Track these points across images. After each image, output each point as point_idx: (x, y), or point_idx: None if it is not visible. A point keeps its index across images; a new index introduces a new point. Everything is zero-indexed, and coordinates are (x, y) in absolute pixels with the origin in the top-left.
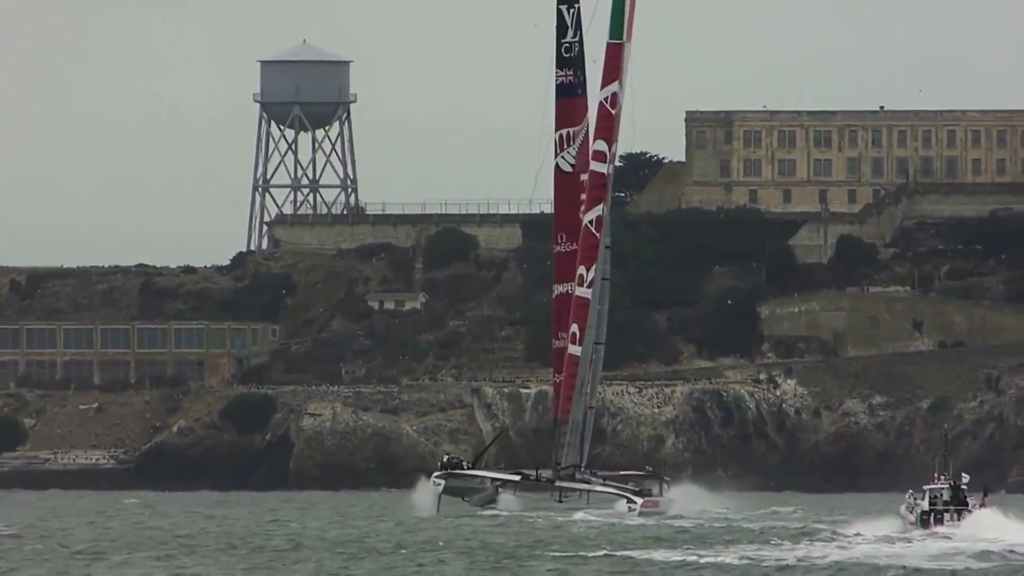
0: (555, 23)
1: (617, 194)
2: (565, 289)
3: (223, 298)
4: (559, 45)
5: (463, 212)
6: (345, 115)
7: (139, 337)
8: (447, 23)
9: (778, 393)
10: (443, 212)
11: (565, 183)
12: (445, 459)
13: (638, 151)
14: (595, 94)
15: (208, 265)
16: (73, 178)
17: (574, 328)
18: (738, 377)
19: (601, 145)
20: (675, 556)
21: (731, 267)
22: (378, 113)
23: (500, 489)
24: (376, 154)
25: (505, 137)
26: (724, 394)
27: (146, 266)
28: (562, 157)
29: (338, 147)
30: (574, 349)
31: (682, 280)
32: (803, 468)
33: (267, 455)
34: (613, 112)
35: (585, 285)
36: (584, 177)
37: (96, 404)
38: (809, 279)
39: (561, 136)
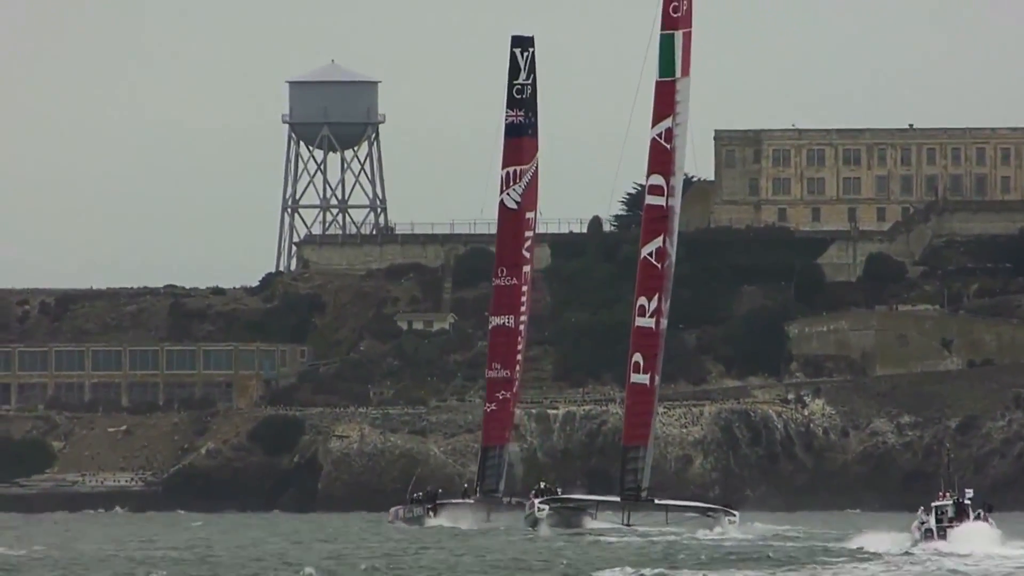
0: (508, 65)
1: None
2: (502, 321)
3: (252, 319)
4: (511, 86)
5: (492, 232)
6: (374, 135)
7: (168, 358)
8: (474, 43)
9: (806, 413)
10: (472, 232)
11: (508, 219)
12: (542, 486)
13: None
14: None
15: (237, 286)
16: (102, 200)
17: (637, 357)
18: (766, 397)
19: (657, 179)
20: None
21: (760, 286)
22: (407, 133)
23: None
24: (405, 174)
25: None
26: (752, 414)
27: (175, 287)
28: (507, 194)
29: (367, 167)
30: (637, 378)
31: (711, 299)
32: (831, 488)
33: (295, 477)
34: (668, 147)
35: (648, 315)
36: (529, 215)
37: (124, 426)
38: (838, 298)
39: (508, 174)
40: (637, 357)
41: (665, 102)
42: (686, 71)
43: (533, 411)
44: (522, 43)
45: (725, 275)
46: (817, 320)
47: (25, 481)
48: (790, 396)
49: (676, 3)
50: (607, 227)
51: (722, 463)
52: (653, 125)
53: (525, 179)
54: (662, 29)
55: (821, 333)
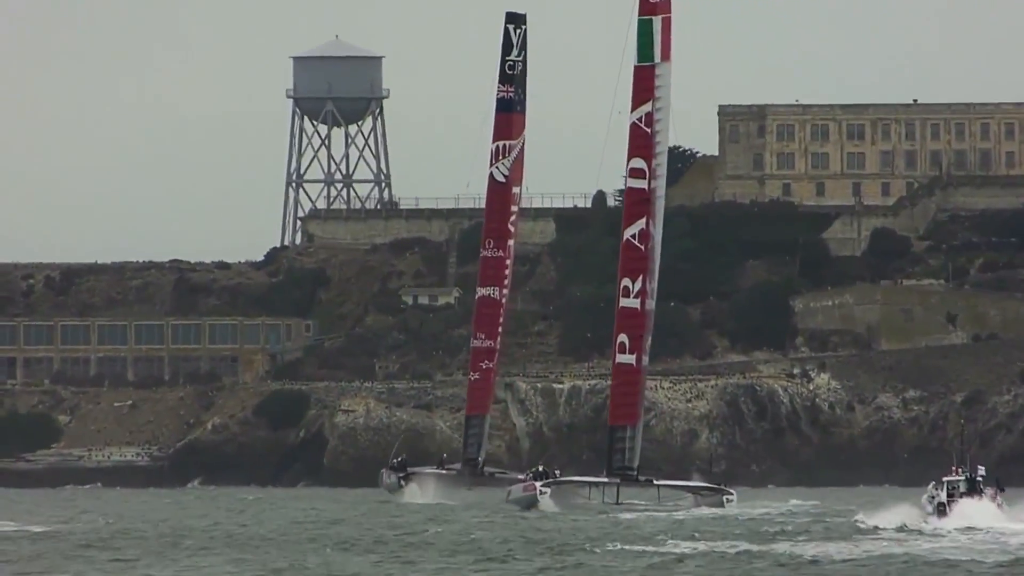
0: (501, 41)
1: None
2: (488, 292)
3: (257, 294)
4: (503, 62)
5: None
6: (378, 110)
7: (173, 333)
8: (478, 18)
9: (811, 387)
10: (477, 206)
11: (497, 192)
12: (540, 469)
13: (671, 145)
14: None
15: (242, 261)
16: (106, 174)
17: (622, 337)
18: (772, 371)
19: (638, 163)
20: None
21: (764, 260)
22: (411, 108)
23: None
24: (409, 149)
25: (537, 131)
26: (758, 388)
27: (180, 262)
28: (496, 167)
29: (371, 142)
30: (623, 358)
31: (715, 274)
32: (837, 463)
33: (301, 451)
34: (648, 131)
35: (632, 296)
36: (516, 190)
37: (130, 401)
38: (842, 272)
39: (497, 147)
40: (623, 338)
41: (644, 87)
42: (666, 56)
43: (539, 386)
44: (515, 20)
45: (730, 250)
46: (822, 295)
47: (31, 456)
48: (795, 371)
49: None
50: (611, 202)
51: (728, 438)
52: (632, 110)
53: (513, 154)
54: (640, 14)
55: (826, 308)
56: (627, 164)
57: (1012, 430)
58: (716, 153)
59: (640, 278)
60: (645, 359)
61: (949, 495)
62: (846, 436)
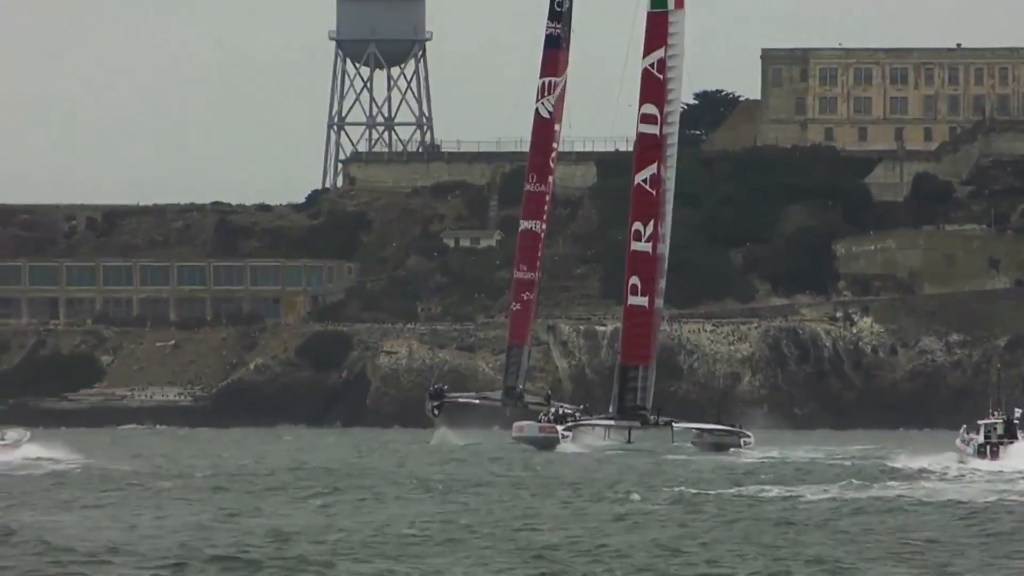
0: None
1: (692, 131)
2: (531, 226)
3: (298, 236)
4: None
5: None
6: (421, 53)
7: (215, 274)
8: None
9: (854, 331)
10: (518, 150)
11: (542, 128)
12: (560, 411)
13: (714, 88)
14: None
15: (283, 203)
16: (149, 116)
17: (634, 280)
18: (814, 315)
19: (650, 108)
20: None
21: (806, 205)
22: (453, 51)
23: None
24: (451, 92)
25: (579, 73)
26: (800, 331)
27: (221, 204)
28: (542, 104)
29: (413, 85)
30: (635, 300)
31: (757, 218)
32: (880, 406)
33: (343, 392)
34: (661, 77)
35: (644, 240)
36: (557, 127)
37: (172, 341)
38: (885, 217)
39: (543, 84)
40: (634, 280)
41: (656, 34)
42: (680, 3)
43: (581, 328)
44: None
45: (772, 194)
46: (864, 239)
47: (73, 396)
48: (838, 314)
49: None
50: None
51: (770, 381)
52: (645, 55)
53: (557, 91)
54: None
55: (868, 252)
56: (639, 109)
57: None
58: (758, 98)
59: (651, 222)
60: (659, 301)
61: (987, 437)
62: (889, 380)
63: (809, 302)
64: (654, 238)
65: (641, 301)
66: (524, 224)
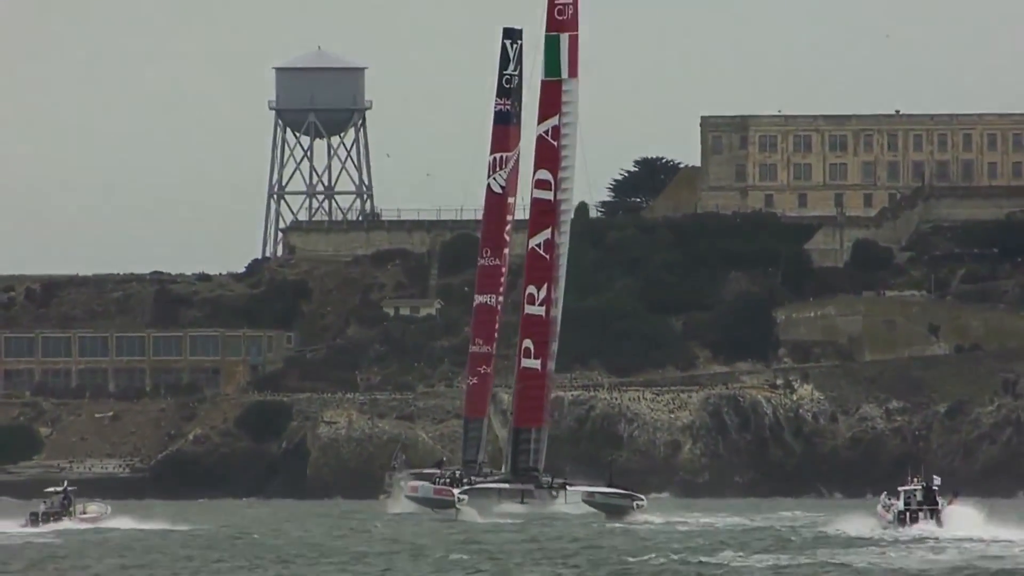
0: (499, 55)
1: (633, 199)
2: (485, 300)
3: (238, 305)
4: (500, 76)
5: (478, 218)
6: (360, 121)
7: (154, 345)
8: (461, 30)
9: (795, 398)
10: (458, 218)
11: (494, 203)
12: (456, 474)
13: (653, 156)
14: (530, 125)
15: (223, 272)
16: (87, 186)
17: (527, 343)
18: (755, 382)
19: (544, 174)
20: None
21: (747, 272)
22: (393, 120)
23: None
24: (391, 160)
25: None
26: (741, 399)
27: (161, 274)
28: (493, 179)
29: (353, 154)
30: (528, 363)
31: (698, 285)
32: (820, 473)
33: (283, 463)
34: (555, 144)
35: (537, 304)
36: (511, 200)
37: (111, 412)
38: (825, 283)
39: (495, 159)
40: (528, 343)
41: (550, 102)
42: (574, 72)
43: None
44: (511, 35)
45: (712, 261)
46: (804, 306)
47: (12, 467)
48: (779, 381)
49: (561, 6)
50: (593, 213)
51: (711, 448)
52: (539, 123)
53: (509, 165)
54: (547, 30)
55: (808, 319)
56: (533, 175)
57: (995, 440)
58: (699, 164)
59: (545, 286)
60: (551, 364)
61: (907, 504)
62: (829, 447)
63: (749, 369)
64: (547, 302)
65: (534, 364)
66: (479, 299)
